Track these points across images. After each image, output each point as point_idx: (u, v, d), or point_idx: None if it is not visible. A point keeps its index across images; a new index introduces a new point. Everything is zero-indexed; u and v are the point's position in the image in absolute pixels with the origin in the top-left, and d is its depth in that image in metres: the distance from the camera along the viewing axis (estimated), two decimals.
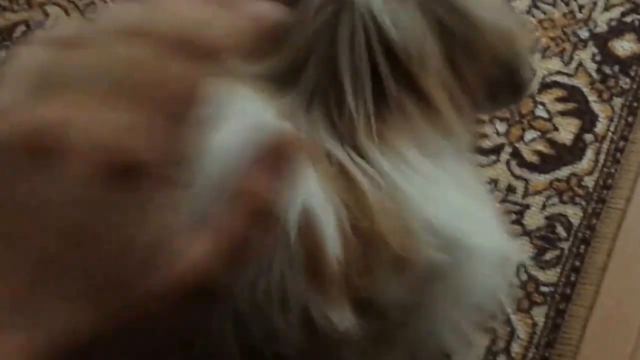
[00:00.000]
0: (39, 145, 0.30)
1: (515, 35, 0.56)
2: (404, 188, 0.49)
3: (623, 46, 1.08)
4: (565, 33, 1.10)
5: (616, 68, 1.06)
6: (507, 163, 0.99)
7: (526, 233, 0.94)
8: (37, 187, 0.30)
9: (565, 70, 1.06)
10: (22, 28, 1.14)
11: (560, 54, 1.08)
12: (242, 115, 0.41)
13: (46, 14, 1.15)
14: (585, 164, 0.99)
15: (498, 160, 0.99)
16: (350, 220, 0.48)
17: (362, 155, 0.50)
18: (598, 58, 1.07)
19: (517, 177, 0.98)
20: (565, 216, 0.95)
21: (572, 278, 0.91)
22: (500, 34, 0.54)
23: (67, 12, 1.15)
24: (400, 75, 0.50)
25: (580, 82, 1.05)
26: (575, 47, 1.08)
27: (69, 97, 0.31)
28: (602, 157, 0.99)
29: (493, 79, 0.54)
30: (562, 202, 0.96)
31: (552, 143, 1.01)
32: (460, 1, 0.52)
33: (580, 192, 0.97)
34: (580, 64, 1.07)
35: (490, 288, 0.56)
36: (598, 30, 1.10)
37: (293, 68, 0.50)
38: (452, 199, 0.52)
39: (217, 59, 0.33)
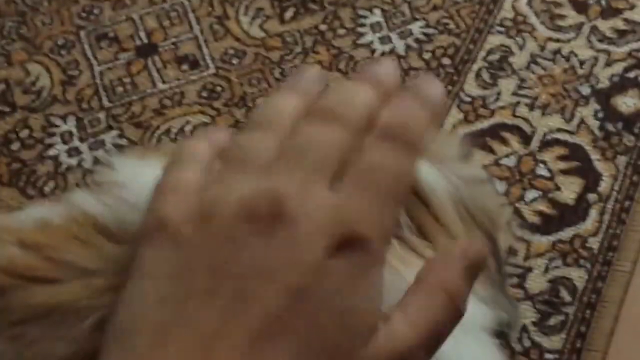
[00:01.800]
0: (268, 214, 0.35)
1: (498, 211, 0.60)
2: None
3: (626, 102, 1.08)
4: (566, 89, 1.10)
5: (619, 125, 1.06)
6: (507, 224, 0.98)
7: (529, 297, 0.93)
8: (266, 251, 0.34)
9: (566, 128, 1.07)
10: (2, 86, 1.15)
11: (561, 110, 1.08)
12: None
13: (27, 72, 1.16)
14: (589, 224, 0.98)
15: None
16: None
17: None
18: (600, 115, 1.07)
19: (518, 239, 0.97)
20: (569, 279, 0.94)
21: (578, 344, 0.90)
22: (485, 207, 0.57)
23: (48, 70, 1.16)
24: None
25: (582, 139, 1.05)
26: (576, 104, 1.09)
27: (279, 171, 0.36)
28: (606, 217, 0.99)
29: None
30: (566, 264, 0.95)
31: (554, 203, 1.00)
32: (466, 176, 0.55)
33: (585, 254, 0.96)
34: (582, 121, 1.07)
35: None
36: (600, 86, 1.10)
37: None
38: None
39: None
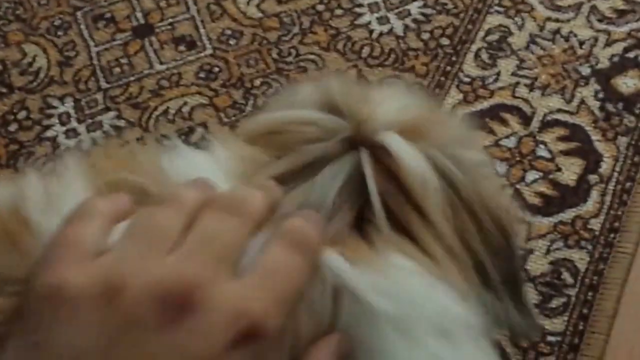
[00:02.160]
0: (177, 301, 0.36)
1: (511, 209, 0.58)
2: None
3: (626, 83, 1.08)
4: (565, 70, 1.10)
5: (620, 105, 1.06)
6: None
7: (530, 279, 0.93)
8: (171, 340, 0.36)
9: (566, 108, 1.06)
10: None
11: (561, 91, 1.08)
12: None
13: (23, 53, 1.15)
14: (590, 206, 0.98)
15: None
16: None
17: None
18: (601, 95, 1.07)
19: (520, 220, 0.97)
20: (571, 261, 0.94)
21: (580, 327, 0.90)
22: (499, 202, 0.56)
23: (45, 51, 1.15)
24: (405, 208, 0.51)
25: (582, 120, 1.05)
26: (576, 84, 1.08)
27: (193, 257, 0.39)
28: (608, 198, 0.99)
29: (491, 242, 0.54)
30: (568, 246, 0.95)
31: (555, 184, 1.00)
32: (467, 161, 0.54)
33: (586, 235, 0.96)
34: (582, 102, 1.07)
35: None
36: (600, 66, 1.10)
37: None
38: None
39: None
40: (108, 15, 1.19)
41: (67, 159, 0.51)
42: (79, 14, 1.19)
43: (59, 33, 1.17)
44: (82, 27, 1.18)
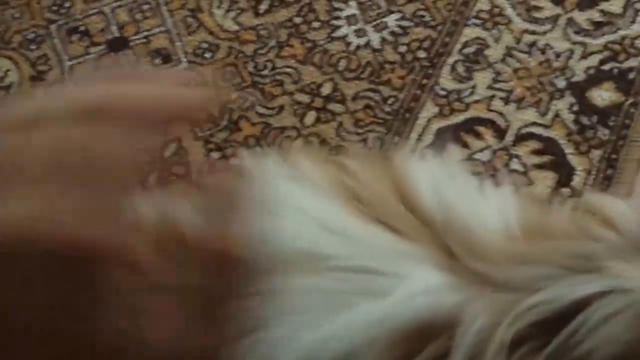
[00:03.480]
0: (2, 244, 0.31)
1: None
2: None
3: (602, 95, 1.09)
4: (541, 82, 1.11)
5: (594, 118, 1.07)
6: None
7: None
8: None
9: (541, 121, 1.07)
10: None
11: (536, 104, 1.09)
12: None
13: None
14: None
15: None
16: None
17: None
18: (576, 108, 1.08)
19: None
20: None
21: None
22: None
23: (17, 65, 1.16)
24: None
25: (556, 133, 1.06)
26: (552, 97, 1.09)
27: (27, 189, 0.32)
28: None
29: None
30: None
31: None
32: None
33: None
34: (557, 115, 1.07)
35: None
36: (575, 79, 1.11)
37: None
38: None
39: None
40: (82, 28, 1.20)
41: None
42: (52, 27, 1.20)
43: (32, 47, 1.18)
44: (56, 40, 1.19)
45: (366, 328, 0.40)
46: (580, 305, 0.42)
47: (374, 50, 1.16)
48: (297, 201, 0.46)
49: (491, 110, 1.09)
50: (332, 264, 0.42)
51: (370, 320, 0.40)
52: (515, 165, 1.04)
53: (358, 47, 1.16)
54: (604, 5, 1.17)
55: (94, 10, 1.21)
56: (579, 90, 1.10)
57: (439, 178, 0.48)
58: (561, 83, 1.10)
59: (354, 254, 0.43)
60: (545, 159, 1.04)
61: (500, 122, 1.07)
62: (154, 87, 0.37)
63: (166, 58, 1.17)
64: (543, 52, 1.14)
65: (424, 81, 1.12)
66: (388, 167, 0.50)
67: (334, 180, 0.48)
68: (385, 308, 0.41)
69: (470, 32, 1.17)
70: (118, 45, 1.18)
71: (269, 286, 0.40)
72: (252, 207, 0.39)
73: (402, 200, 0.47)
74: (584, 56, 1.13)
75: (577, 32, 1.15)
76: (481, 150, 1.05)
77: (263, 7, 1.21)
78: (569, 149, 1.04)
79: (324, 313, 0.41)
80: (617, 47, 1.13)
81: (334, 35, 1.18)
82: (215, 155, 1.07)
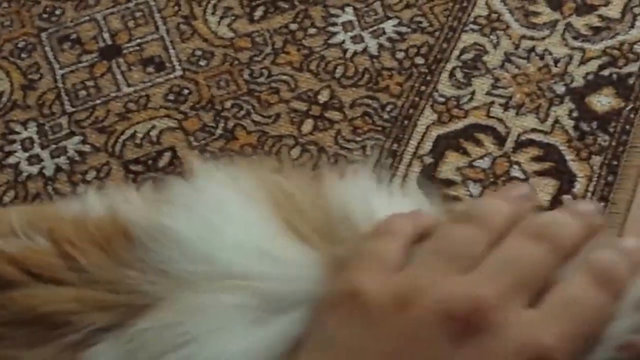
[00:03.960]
0: (464, 321, 0.36)
1: None
2: None
3: (601, 101, 1.08)
4: (540, 88, 1.10)
5: (594, 124, 1.06)
6: None
7: None
8: (455, 357, 0.36)
9: (541, 128, 1.06)
10: None
11: (536, 110, 1.08)
12: None
13: None
14: None
15: None
16: None
17: None
18: (575, 114, 1.07)
19: None
20: None
21: None
22: None
23: (8, 74, 1.15)
24: None
25: (557, 139, 1.05)
26: (551, 103, 1.08)
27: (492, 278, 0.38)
28: None
29: None
30: None
31: None
32: None
33: None
34: (556, 121, 1.07)
35: None
36: (575, 84, 1.10)
37: None
38: None
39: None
40: (74, 36, 1.19)
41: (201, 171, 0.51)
42: (43, 35, 1.19)
43: (23, 55, 1.17)
44: (47, 48, 1.17)
45: (276, 345, 0.42)
46: None
47: (371, 57, 1.15)
48: (222, 212, 0.48)
49: (491, 117, 1.08)
50: (247, 282, 0.44)
51: (279, 339, 0.42)
52: (515, 172, 1.03)
53: (355, 54, 1.15)
54: (602, 11, 1.16)
55: (86, 18, 1.20)
56: (578, 96, 1.09)
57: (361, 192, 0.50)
58: (560, 89, 1.10)
59: (269, 272, 0.44)
60: (546, 165, 1.03)
61: (500, 128, 1.07)
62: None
63: (160, 66, 1.15)
64: (542, 57, 1.13)
65: (422, 88, 1.11)
66: (318, 183, 0.51)
67: (267, 195, 0.49)
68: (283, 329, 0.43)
69: (468, 38, 1.16)
70: (111, 53, 1.17)
71: (190, 301, 0.43)
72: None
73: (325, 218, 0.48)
74: (583, 62, 1.12)
75: (575, 38, 1.14)
76: (481, 157, 1.04)
77: (258, 13, 1.20)
78: (569, 156, 1.03)
79: (241, 328, 0.43)
80: (616, 52, 1.12)
81: (330, 41, 1.17)
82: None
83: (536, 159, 1.04)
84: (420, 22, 1.18)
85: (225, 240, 0.46)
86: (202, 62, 1.16)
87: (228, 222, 0.47)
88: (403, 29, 1.17)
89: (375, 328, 0.38)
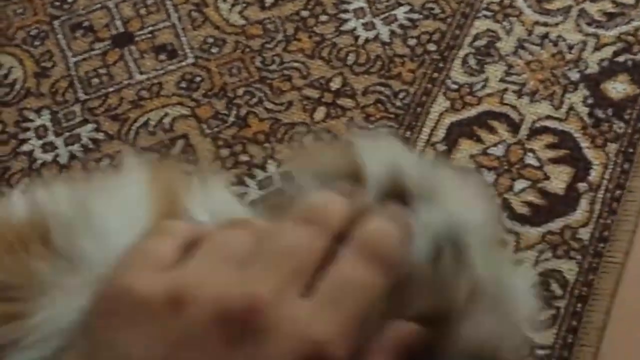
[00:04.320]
0: (239, 320, 0.35)
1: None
2: None
3: (616, 88, 1.07)
4: (554, 75, 1.09)
5: (610, 111, 1.05)
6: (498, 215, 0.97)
7: None
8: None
9: (555, 115, 1.06)
10: None
11: (550, 97, 1.07)
12: None
13: None
14: (579, 215, 0.98)
15: None
16: None
17: None
18: (590, 101, 1.06)
19: (508, 231, 0.96)
20: (559, 272, 0.94)
21: (570, 339, 0.89)
22: None
23: (21, 62, 1.14)
24: None
25: (571, 127, 1.05)
26: (565, 90, 1.08)
27: (269, 275, 0.37)
28: (597, 207, 0.98)
29: None
30: (556, 256, 0.95)
31: (544, 193, 1.00)
32: None
33: (575, 245, 0.95)
34: (571, 108, 1.06)
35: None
36: (589, 71, 1.09)
37: None
38: None
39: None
40: (86, 24, 1.18)
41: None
42: (56, 23, 1.18)
43: (36, 43, 1.16)
44: (60, 36, 1.17)
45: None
46: None
47: (383, 44, 1.14)
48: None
49: (504, 104, 1.07)
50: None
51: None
52: (530, 159, 1.02)
53: (367, 41, 1.15)
54: None
55: (98, 6, 1.20)
56: (593, 82, 1.08)
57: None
58: (575, 75, 1.09)
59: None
60: (561, 153, 1.03)
61: (514, 115, 1.06)
62: None
63: (172, 53, 1.15)
64: (555, 44, 1.12)
65: (435, 75, 1.11)
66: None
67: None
68: None
69: (480, 25, 1.15)
70: (123, 40, 1.17)
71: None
72: None
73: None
74: (597, 48, 1.11)
75: (589, 24, 1.14)
76: (495, 144, 1.04)
77: (269, 0, 1.19)
78: (584, 143, 1.03)
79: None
80: (630, 38, 1.12)
81: (342, 28, 1.16)
82: (224, 152, 1.05)
83: (551, 146, 1.03)
84: (433, 9, 1.17)
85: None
86: (214, 50, 1.15)
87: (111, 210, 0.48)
88: (415, 16, 1.17)
89: (143, 333, 0.35)
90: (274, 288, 0.36)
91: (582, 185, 1.00)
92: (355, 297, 0.37)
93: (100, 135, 1.08)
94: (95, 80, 1.13)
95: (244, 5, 1.19)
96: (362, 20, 1.17)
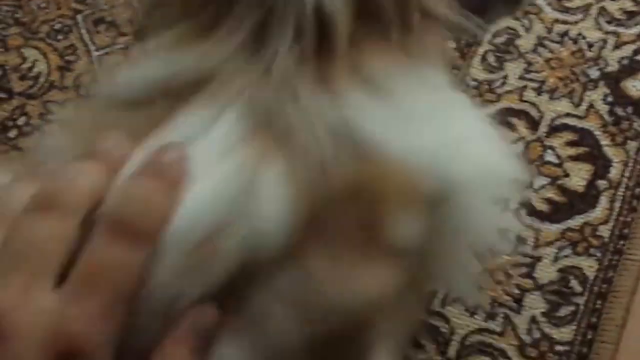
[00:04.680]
0: None
1: None
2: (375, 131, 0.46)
3: (636, 86, 1.08)
4: (574, 73, 1.09)
5: (629, 109, 1.05)
6: (516, 212, 0.98)
7: (538, 287, 0.93)
8: None
9: (575, 112, 1.06)
10: None
11: (570, 95, 1.08)
12: None
13: (23, 57, 1.15)
14: (599, 212, 0.98)
15: (506, 208, 0.98)
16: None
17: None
18: (610, 99, 1.07)
19: (527, 227, 0.97)
20: (579, 269, 0.94)
21: (589, 336, 0.89)
22: None
23: (45, 55, 1.15)
24: None
25: (591, 124, 1.05)
26: (585, 88, 1.08)
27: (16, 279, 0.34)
28: (617, 204, 0.98)
29: None
30: (576, 253, 0.95)
31: (563, 190, 1.00)
32: None
33: (595, 242, 0.96)
34: (591, 106, 1.06)
35: (492, 221, 0.54)
36: (609, 69, 1.09)
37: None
38: (432, 130, 0.49)
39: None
40: (109, 18, 1.19)
41: None
42: (79, 17, 1.19)
43: (59, 37, 1.17)
44: (83, 31, 1.18)
45: None
46: None
47: None
48: None
49: (523, 101, 1.08)
50: None
51: None
52: (549, 156, 1.03)
53: None
54: None
55: (121, 1, 1.20)
56: (612, 80, 1.08)
57: None
58: (594, 73, 1.09)
59: None
60: (581, 150, 1.03)
61: (534, 113, 1.06)
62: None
63: None
64: (575, 41, 1.12)
65: (454, 72, 1.11)
66: None
67: None
68: None
69: (500, 22, 1.15)
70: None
71: None
72: None
73: None
74: (617, 46, 1.12)
75: (609, 22, 1.14)
76: (514, 141, 1.04)
77: None
78: (604, 141, 1.03)
79: None
80: None
81: None
82: None
83: (570, 143, 1.04)
84: None
85: None
86: None
87: None
88: None
89: None
90: (19, 288, 0.34)
91: (601, 183, 1.00)
92: (108, 280, 0.34)
93: None
94: None
95: None
96: None
